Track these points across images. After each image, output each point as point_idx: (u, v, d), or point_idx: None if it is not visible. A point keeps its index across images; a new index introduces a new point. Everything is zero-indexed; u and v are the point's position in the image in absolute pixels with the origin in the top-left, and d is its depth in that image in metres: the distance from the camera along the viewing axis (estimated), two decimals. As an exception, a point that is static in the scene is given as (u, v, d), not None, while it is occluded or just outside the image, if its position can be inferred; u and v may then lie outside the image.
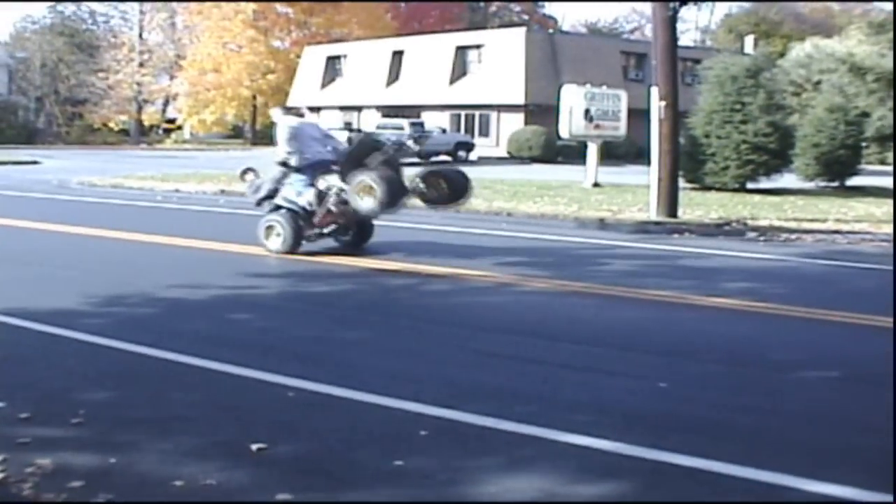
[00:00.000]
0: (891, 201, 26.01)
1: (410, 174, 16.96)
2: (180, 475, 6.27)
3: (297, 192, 16.82)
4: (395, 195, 16.11)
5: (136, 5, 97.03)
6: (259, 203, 17.24)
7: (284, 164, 16.90)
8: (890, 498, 6.04)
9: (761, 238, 20.27)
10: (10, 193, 29.88)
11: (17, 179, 37.07)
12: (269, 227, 16.73)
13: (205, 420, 7.53)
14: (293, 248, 16.50)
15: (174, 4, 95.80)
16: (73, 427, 7.20)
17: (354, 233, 17.41)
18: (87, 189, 32.61)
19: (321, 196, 16.68)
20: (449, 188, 17.18)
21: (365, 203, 16.00)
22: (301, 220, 16.65)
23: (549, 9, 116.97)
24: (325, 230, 16.95)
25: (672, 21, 22.93)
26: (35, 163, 50.65)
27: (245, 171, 18.27)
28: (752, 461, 6.62)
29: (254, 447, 6.76)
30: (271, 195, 17.04)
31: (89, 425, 7.25)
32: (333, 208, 16.64)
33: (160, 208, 25.72)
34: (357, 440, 7.12)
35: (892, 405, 7.77)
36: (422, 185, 16.84)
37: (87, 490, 6.00)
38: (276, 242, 16.58)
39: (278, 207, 16.80)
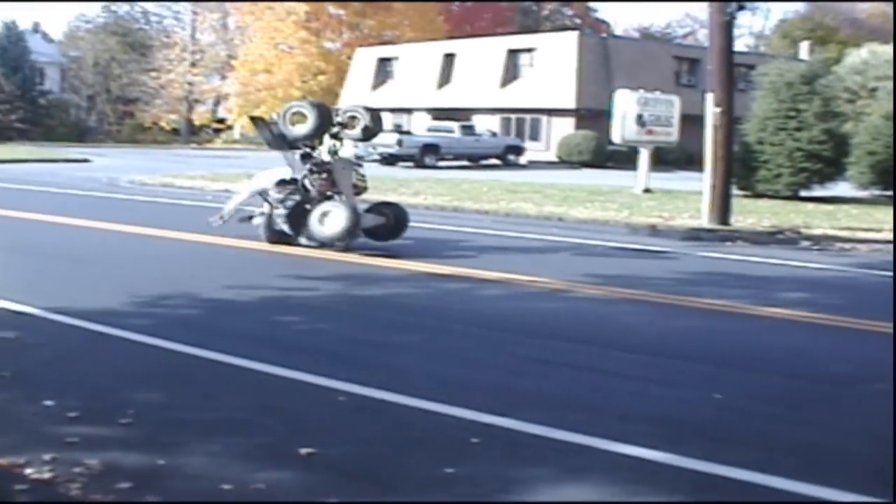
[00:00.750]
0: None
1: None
2: (229, 478, 6.21)
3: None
4: (355, 220, 16.89)
5: (188, 6, 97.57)
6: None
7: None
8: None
9: (815, 247, 20.07)
10: (60, 191, 30.05)
11: (67, 177, 37.32)
12: (325, 214, 16.84)
13: (253, 422, 7.46)
14: (351, 233, 16.78)
15: (227, 5, 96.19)
16: (121, 427, 7.16)
17: (390, 222, 17.58)
18: (137, 187, 32.74)
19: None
20: (394, 220, 17.91)
21: (328, 229, 16.84)
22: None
23: (601, 13, 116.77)
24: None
25: (728, 26, 22.78)
26: (86, 161, 50.97)
27: (249, 218, 18.41)
28: (808, 477, 6.49)
29: (302, 451, 6.69)
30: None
31: (137, 425, 7.21)
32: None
33: (210, 208, 25.73)
34: (407, 446, 7.05)
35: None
36: (370, 215, 17.71)
37: (135, 491, 5.95)
38: (334, 226, 16.74)
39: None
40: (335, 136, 17.76)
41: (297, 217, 17.18)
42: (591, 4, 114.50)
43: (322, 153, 17.58)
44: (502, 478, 6.46)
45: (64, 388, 8.14)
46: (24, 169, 42.65)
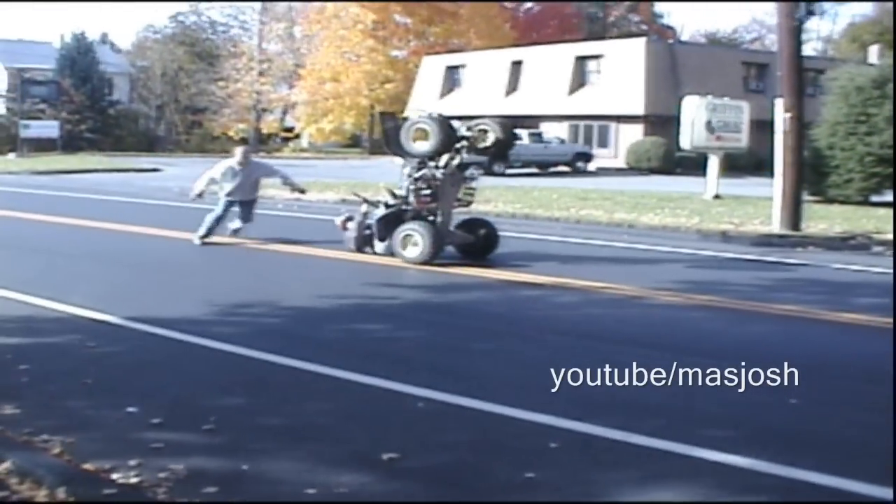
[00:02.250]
0: None
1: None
2: (313, 483, 6.31)
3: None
4: (438, 245, 16.69)
5: (255, 15, 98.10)
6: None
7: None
8: None
9: (888, 252, 19.92)
10: (133, 200, 30.35)
11: (139, 186, 37.67)
12: (406, 237, 16.76)
13: (336, 429, 7.56)
14: (432, 257, 16.58)
15: (293, 14, 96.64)
16: (204, 433, 7.28)
17: (480, 242, 17.46)
18: (207, 197, 32.88)
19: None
20: (484, 239, 17.75)
21: (409, 252, 16.65)
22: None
23: (668, 19, 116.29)
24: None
25: (797, 31, 22.67)
26: (156, 170, 51.38)
27: (347, 220, 18.27)
28: (888, 481, 6.48)
29: (385, 456, 6.78)
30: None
31: (221, 432, 7.32)
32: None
33: (282, 216, 25.91)
34: (488, 451, 7.11)
35: None
36: (460, 232, 17.56)
37: (221, 495, 6.07)
38: (413, 252, 16.62)
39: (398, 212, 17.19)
40: (458, 151, 17.35)
41: (387, 227, 17.18)
42: (658, 9, 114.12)
43: (433, 167, 17.06)
44: (582, 482, 6.52)
45: (146, 395, 8.27)
46: (95, 178, 43.09)
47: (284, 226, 23.29)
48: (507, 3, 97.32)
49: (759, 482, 6.57)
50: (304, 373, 9.17)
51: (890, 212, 27.83)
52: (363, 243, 17.63)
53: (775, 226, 22.46)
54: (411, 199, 16.98)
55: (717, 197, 32.91)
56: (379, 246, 17.30)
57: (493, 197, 28.85)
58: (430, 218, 16.93)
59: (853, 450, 7.30)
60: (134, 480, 6.23)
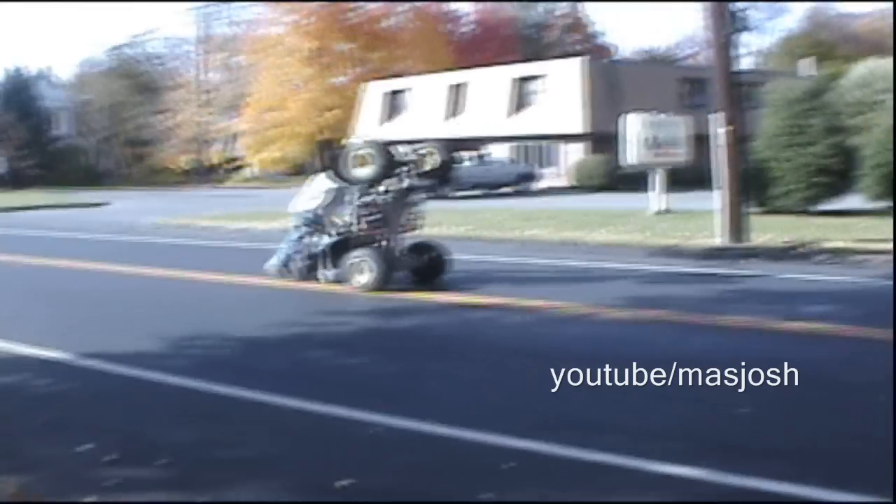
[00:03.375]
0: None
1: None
2: (270, 513, 6.32)
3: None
4: (388, 271, 16.73)
5: (194, 46, 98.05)
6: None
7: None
8: None
9: (831, 261, 20.12)
10: (81, 236, 30.23)
11: (85, 221, 37.48)
12: (355, 264, 16.73)
13: (289, 458, 7.57)
14: (382, 283, 16.53)
15: (235, 43, 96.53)
16: (160, 468, 7.29)
17: (429, 265, 17.51)
18: (156, 229, 32.89)
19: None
20: (431, 262, 17.79)
21: (359, 279, 16.66)
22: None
23: (606, 38, 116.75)
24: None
25: (727, 47, 22.87)
26: (103, 204, 51.14)
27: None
28: (836, 484, 6.61)
29: (338, 484, 6.80)
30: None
31: (176, 465, 7.34)
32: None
33: (230, 247, 25.90)
34: (442, 473, 7.17)
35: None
36: (409, 257, 17.62)
37: (179, 530, 6.06)
38: (364, 279, 16.60)
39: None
40: (400, 176, 17.35)
41: (335, 255, 17.21)
42: (596, 29, 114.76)
43: (376, 193, 17.08)
44: (538, 501, 6.57)
45: (101, 431, 8.25)
46: (40, 215, 42.80)
47: (234, 256, 23.31)
48: (447, 27, 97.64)
49: (707, 491, 6.65)
50: (256, 403, 9.18)
51: (829, 220, 28.18)
52: (308, 272, 17.65)
53: (719, 239, 22.62)
54: (356, 225, 17.00)
55: (661, 212, 33.11)
56: (326, 273, 17.32)
57: (440, 220, 28.90)
58: (379, 243, 16.97)
59: (802, 456, 7.39)
60: (91, 518, 6.24)
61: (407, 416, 8.46)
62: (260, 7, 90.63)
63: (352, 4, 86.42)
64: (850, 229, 24.60)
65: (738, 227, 22.51)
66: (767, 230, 24.31)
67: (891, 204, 31.83)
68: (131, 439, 8.08)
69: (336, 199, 17.76)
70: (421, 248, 17.84)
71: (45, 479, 7.02)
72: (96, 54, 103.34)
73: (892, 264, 18.14)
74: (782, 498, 6.52)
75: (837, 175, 31.46)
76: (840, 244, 21.66)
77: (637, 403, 8.86)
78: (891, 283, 16.12)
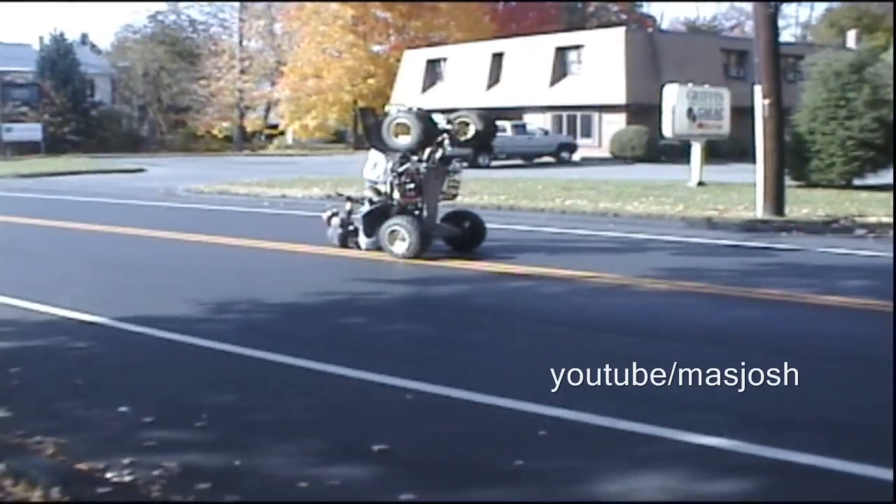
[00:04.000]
0: None
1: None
2: (305, 476, 6.35)
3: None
4: (425, 239, 16.72)
5: (235, 13, 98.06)
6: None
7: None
8: None
9: (870, 235, 20.02)
10: (118, 202, 30.37)
11: (123, 188, 37.71)
12: (393, 232, 16.77)
13: (325, 422, 7.62)
14: (419, 251, 16.56)
15: (273, 11, 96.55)
16: (196, 430, 7.32)
17: (466, 234, 17.49)
18: (193, 196, 32.98)
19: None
20: (471, 231, 17.74)
21: (396, 247, 16.69)
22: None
23: (647, 8, 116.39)
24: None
25: (773, 18, 22.73)
26: (140, 171, 51.37)
27: (332, 215, 18.25)
28: (871, 459, 6.57)
29: (375, 448, 6.82)
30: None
31: (212, 428, 7.37)
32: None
33: (267, 214, 25.96)
34: (476, 441, 7.17)
35: None
36: (446, 225, 17.62)
37: (215, 491, 6.09)
38: (401, 247, 16.64)
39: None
40: (440, 144, 17.30)
41: (372, 223, 17.19)
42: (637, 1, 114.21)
43: (416, 161, 17.02)
44: (570, 468, 6.58)
45: (137, 394, 8.30)
46: (80, 180, 43.10)
47: (271, 223, 23.36)
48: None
49: (740, 462, 6.65)
50: (293, 368, 9.22)
51: (871, 195, 27.98)
52: (346, 239, 17.70)
53: (759, 211, 22.54)
54: (395, 193, 16.99)
55: (700, 184, 33.01)
56: (364, 241, 17.35)
57: (478, 189, 28.91)
58: (416, 212, 16.97)
59: (838, 430, 7.37)
60: (128, 479, 6.24)
61: (443, 383, 8.47)
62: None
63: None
64: (891, 204, 24.42)
65: (777, 199, 22.42)
66: (807, 204, 24.22)
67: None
68: (168, 402, 8.12)
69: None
70: (458, 216, 17.84)
71: (82, 440, 7.05)
72: (136, 21, 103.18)
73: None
74: (815, 471, 6.50)
75: (879, 149, 31.27)
76: (882, 219, 21.55)
77: (668, 375, 8.81)
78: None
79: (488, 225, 17.92)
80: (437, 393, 8.26)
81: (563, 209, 25.18)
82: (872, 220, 21.65)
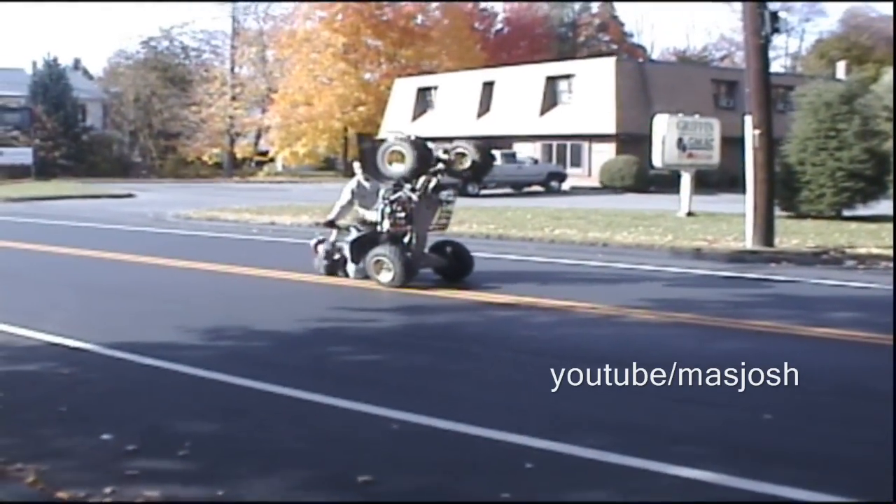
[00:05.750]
0: None
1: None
2: (289, 508, 6.29)
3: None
4: (410, 270, 16.70)
5: (227, 40, 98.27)
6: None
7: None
8: None
9: (860, 266, 20.01)
10: (107, 227, 30.30)
11: (113, 213, 37.61)
12: (378, 262, 16.71)
13: (311, 453, 7.55)
14: (405, 281, 16.49)
15: (265, 38, 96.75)
16: (179, 459, 7.27)
17: (454, 264, 17.44)
18: (182, 222, 32.94)
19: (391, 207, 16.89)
20: (456, 261, 17.68)
21: (382, 277, 16.67)
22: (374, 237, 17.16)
23: (637, 38, 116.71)
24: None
25: (764, 49, 22.76)
26: (130, 196, 51.28)
27: (319, 243, 18.27)
28: (860, 494, 6.53)
29: (360, 479, 6.78)
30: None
31: (196, 458, 7.31)
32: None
33: (256, 241, 25.91)
34: (462, 472, 7.12)
35: None
36: (433, 255, 17.55)
37: (197, 522, 6.04)
38: (386, 276, 16.58)
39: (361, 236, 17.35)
40: (434, 174, 17.21)
41: (359, 250, 17.16)
42: (628, 29, 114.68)
43: (408, 190, 16.91)
44: (558, 501, 6.53)
45: (121, 422, 8.25)
46: (69, 205, 42.99)
47: (259, 250, 23.30)
48: (477, 25, 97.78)
49: (729, 496, 6.61)
50: (279, 397, 9.17)
51: (861, 226, 28.00)
52: (333, 268, 17.66)
53: (748, 242, 22.54)
54: (385, 222, 16.92)
55: (690, 214, 33.00)
56: (352, 269, 17.31)
57: (467, 218, 28.90)
58: (404, 241, 16.91)
59: (825, 464, 7.33)
60: (109, 508, 6.21)
61: (430, 414, 8.43)
62: (293, 3, 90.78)
63: (384, 3, 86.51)
64: (880, 235, 24.47)
65: (767, 230, 22.43)
66: (797, 234, 24.22)
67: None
68: (152, 430, 8.06)
69: (359, 198, 17.86)
70: (446, 246, 17.76)
71: (64, 468, 7.00)
72: (128, 46, 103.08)
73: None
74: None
75: (869, 180, 31.33)
76: (873, 250, 21.56)
77: (657, 406, 8.80)
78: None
79: (477, 254, 17.90)
80: (423, 423, 8.21)
81: (552, 238, 25.15)
82: (862, 251, 21.65)
